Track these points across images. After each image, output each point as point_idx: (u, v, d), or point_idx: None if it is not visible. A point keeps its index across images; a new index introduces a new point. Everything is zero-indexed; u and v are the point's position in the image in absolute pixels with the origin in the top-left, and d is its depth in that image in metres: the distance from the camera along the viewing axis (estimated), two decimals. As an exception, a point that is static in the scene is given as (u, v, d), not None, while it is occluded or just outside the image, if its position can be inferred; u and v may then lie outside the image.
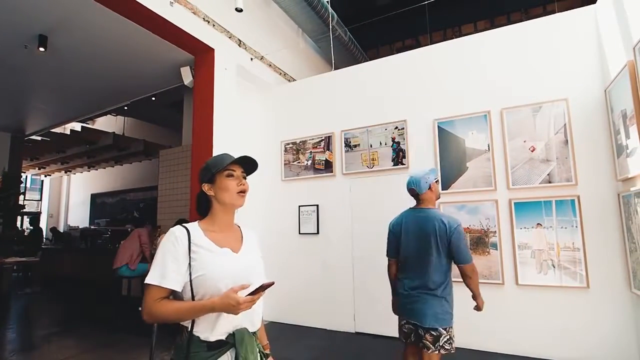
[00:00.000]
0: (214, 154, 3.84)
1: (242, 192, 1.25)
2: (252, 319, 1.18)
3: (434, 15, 6.81)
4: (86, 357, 3.39)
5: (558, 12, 3.61)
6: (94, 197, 11.33)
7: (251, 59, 4.55)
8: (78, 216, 11.72)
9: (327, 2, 5.43)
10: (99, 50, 4.17)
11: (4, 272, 5.98)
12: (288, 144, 4.68)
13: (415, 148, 3.85)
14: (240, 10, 3.86)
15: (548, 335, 3.08)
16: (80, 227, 10.92)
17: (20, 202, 7.94)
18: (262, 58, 4.76)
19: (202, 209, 1.27)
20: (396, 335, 2.37)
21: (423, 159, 3.78)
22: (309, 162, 4.48)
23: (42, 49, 3.92)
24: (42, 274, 7.29)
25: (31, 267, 6.80)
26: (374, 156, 4.07)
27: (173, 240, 1.12)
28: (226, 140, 4.02)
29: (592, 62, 3.14)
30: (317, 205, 4.31)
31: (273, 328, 4.19)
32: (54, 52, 4.15)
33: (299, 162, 4.56)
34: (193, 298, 1.10)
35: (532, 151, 3.29)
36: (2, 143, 7.54)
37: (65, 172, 11.54)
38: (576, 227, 3.05)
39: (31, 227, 10.28)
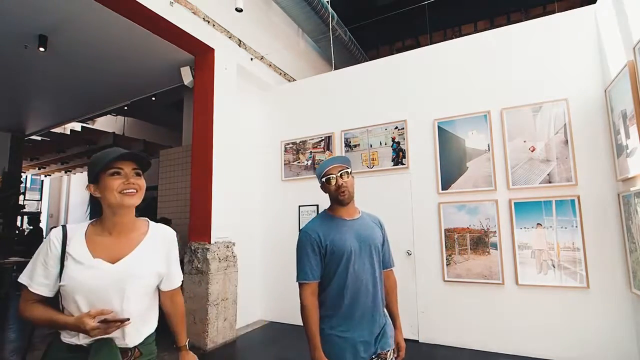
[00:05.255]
0: (214, 154, 3.84)
1: (128, 190, 1.08)
2: (124, 331, 1.08)
3: (434, 15, 6.81)
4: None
5: (558, 12, 3.62)
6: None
7: (251, 59, 4.54)
8: (78, 216, 11.73)
9: (327, 2, 5.42)
10: (99, 50, 4.17)
11: (4, 272, 5.98)
12: (288, 144, 4.68)
13: (415, 148, 3.85)
14: (240, 10, 3.86)
15: (548, 335, 3.08)
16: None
17: (20, 202, 7.95)
18: (262, 58, 4.76)
19: (97, 211, 1.14)
20: None
21: (423, 159, 3.78)
22: (309, 162, 4.48)
23: (42, 49, 3.92)
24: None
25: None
26: (374, 156, 4.07)
27: (48, 243, 1.05)
28: (226, 140, 4.02)
29: (592, 62, 3.14)
30: (317, 205, 4.31)
31: (273, 328, 4.19)
32: (54, 52, 4.15)
33: (299, 162, 4.56)
34: (62, 307, 1.07)
35: (532, 151, 3.29)
36: (2, 143, 7.53)
37: (65, 172, 11.54)
38: (576, 227, 3.05)
39: (31, 227, 10.27)
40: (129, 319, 1.04)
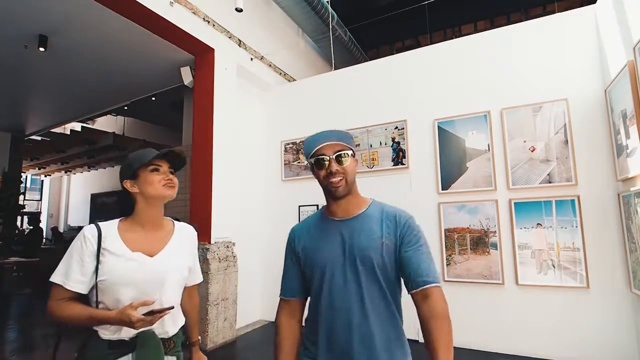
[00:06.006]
0: (214, 154, 3.84)
1: (169, 185, 1.17)
2: (163, 322, 1.11)
3: (434, 15, 6.81)
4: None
5: (558, 12, 3.62)
6: (94, 197, 11.34)
7: (251, 59, 4.54)
8: (78, 216, 11.73)
9: (327, 2, 5.42)
10: (99, 50, 4.17)
11: (4, 272, 5.98)
12: (288, 144, 4.68)
13: (415, 148, 3.85)
14: (240, 10, 3.86)
15: (548, 335, 3.08)
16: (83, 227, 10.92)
17: (20, 202, 7.95)
18: (262, 58, 4.76)
19: (127, 208, 1.19)
20: None
21: (423, 159, 3.78)
22: (309, 162, 4.48)
23: (42, 49, 3.92)
24: (42, 274, 7.29)
25: (31, 267, 6.80)
26: (374, 156, 4.07)
27: (82, 240, 1.07)
28: (226, 140, 4.02)
29: (592, 62, 3.14)
30: (317, 205, 4.31)
31: (273, 328, 4.18)
32: (54, 52, 4.14)
33: (299, 162, 4.56)
34: (97, 302, 1.07)
35: (532, 151, 3.29)
36: (2, 143, 7.53)
37: (65, 172, 11.54)
38: (576, 227, 3.05)
39: (31, 227, 10.27)
40: (173, 307, 1.06)
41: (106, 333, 1.06)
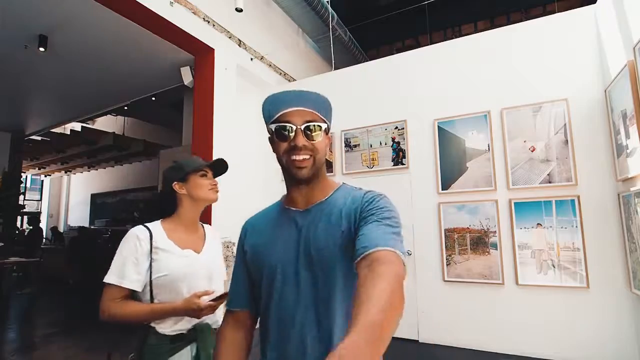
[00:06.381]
0: (214, 154, 3.84)
1: (215, 189, 1.33)
2: (214, 316, 1.21)
3: (434, 15, 6.81)
4: (86, 357, 3.39)
5: (558, 12, 3.61)
6: (94, 197, 11.34)
7: (251, 59, 4.54)
8: (78, 216, 11.73)
9: (327, 2, 5.42)
10: (99, 50, 4.17)
11: (4, 272, 5.98)
12: (288, 144, 4.67)
13: (415, 148, 3.85)
14: (241, 10, 3.86)
15: (548, 335, 3.08)
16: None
17: (20, 202, 7.95)
18: (262, 58, 4.76)
19: (167, 208, 1.29)
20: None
21: (423, 159, 3.78)
22: (309, 162, 4.48)
23: (42, 49, 3.92)
24: (41, 274, 7.29)
25: (31, 267, 6.80)
26: (374, 156, 4.07)
27: (134, 240, 1.14)
28: (226, 140, 4.02)
29: (592, 62, 3.14)
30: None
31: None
32: (54, 52, 4.15)
33: (299, 162, 4.56)
34: (152, 299, 1.12)
35: (532, 151, 3.29)
36: (2, 143, 7.53)
37: (65, 172, 11.55)
38: (576, 227, 3.05)
39: (30, 227, 10.28)
40: (227, 293, 1.13)
41: (164, 328, 1.12)
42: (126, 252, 1.13)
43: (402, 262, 0.64)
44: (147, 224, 1.20)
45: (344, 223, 0.78)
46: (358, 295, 0.56)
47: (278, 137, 0.80)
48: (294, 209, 0.87)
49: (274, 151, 0.85)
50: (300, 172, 0.80)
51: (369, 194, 0.82)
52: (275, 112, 0.80)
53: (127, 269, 1.10)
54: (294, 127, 0.78)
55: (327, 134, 0.86)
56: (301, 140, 0.78)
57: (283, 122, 0.79)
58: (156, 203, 1.33)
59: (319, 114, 0.82)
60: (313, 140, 0.80)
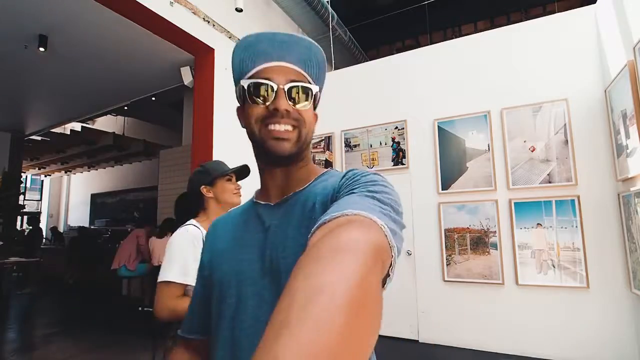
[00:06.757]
0: (214, 154, 3.84)
1: (239, 193, 1.43)
2: None
3: (434, 15, 6.81)
4: (86, 357, 3.39)
5: (558, 12, 3.61)
6: (94, 197, 11.34)
7: (251, 59, 4.54)
8: (78, 216, 11.73)
9: (327, 2, 5.42)
10: (99, 50, 4.17)
11: (4, 272, 5.98)
12: (288, 144, 4.67)
13: (415, 148, 3.85)
14: (241, 10, 3.86)
15: (548, 335, 3.08)
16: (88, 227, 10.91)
17: (20, 202, 7.95)
18: (262, 58, 4.75)
19: (194, 209, 1.37)
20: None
21: (423, 159, 3.78)
22: (309, 162, 4.48)
23: (42, 49, 3.92)
24: (41, 274, 7.29)
25: (31, 267, 6.80)
26: (374, 156, 4.07)
27: (191, 239, 1.21)
28: (226, 141, 4.02)
29: (592, 62, 3.14)
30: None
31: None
32: (54, 52, 4.15)
33: (299, 162, 4.56)
34: None
35: (532, 151, 3.29)
36: (2, 143, 7.53)
37: (65, 172, 11.54)
38: (576, 227, 3.05)
39: (30, 227, 10.27)
40: None
41: None
42: (185, 252, 1.18)
43: (385, 235, 0.42)
44: (193, 223, 1.28)
45: (320, 213, 0.55)
46: (289, 290, 0.30)
47: (253, 96, 0.59)
48: (263, 202, 0.66)
49: (242, 122, 0.65)
50: (280, 146, 0.58)
51: (355, 170, 0.59)
52: (249, 67, 0.60)
53: (190, 267, 1.15)
54: (275, 87, 0.57)
55: (315, 103, 0.63)
56: (284, 104, 0.57)
57: (261, 78, 0.58)
58: (184, 204, 1.43)
59: (301, 72, 0.60)
60: (298, 106, 0.59)
